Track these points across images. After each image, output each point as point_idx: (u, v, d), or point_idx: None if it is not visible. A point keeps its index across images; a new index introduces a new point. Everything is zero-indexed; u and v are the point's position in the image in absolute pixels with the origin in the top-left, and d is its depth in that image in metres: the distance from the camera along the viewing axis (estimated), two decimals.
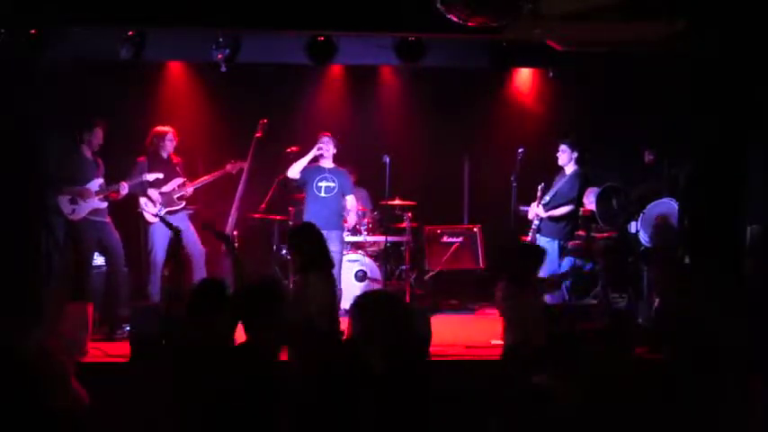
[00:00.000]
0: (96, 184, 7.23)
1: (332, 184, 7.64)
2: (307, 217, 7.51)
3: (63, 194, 7.12)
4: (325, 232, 7.40)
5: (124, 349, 6.18)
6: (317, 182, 7.63)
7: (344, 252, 8.23)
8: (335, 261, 7.46)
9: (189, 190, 7.63)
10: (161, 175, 7.46)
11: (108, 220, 7.30)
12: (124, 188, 7.29)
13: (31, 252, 6.85)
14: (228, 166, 7.71)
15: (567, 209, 7.59)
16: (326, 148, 7.66)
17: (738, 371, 4.40)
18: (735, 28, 6.07)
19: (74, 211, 7.12)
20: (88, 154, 7.26)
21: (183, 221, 7.59)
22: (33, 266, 6.85)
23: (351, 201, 7.87)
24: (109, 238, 7.26)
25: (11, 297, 6.26)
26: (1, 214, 6.67)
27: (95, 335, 6.50)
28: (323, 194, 7.62)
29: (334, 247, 7.46)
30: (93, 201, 7.18)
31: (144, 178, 7.38)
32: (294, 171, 7.65)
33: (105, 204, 7.27)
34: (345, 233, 8.30)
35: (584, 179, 7.63)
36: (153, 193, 7.43)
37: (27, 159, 6.82)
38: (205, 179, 7.71)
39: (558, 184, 7.67)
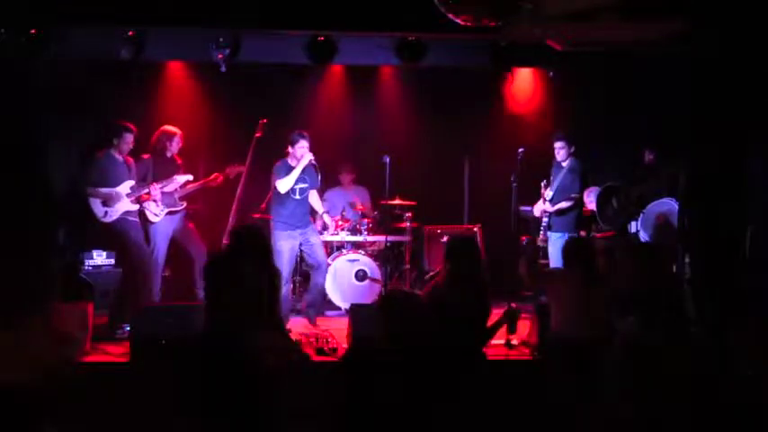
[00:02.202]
0: (127, 186, 7.24)
1: (305, 185, 7.51)
2: (283, 216, 7.42)
3: (94, 197, 7.13)
4: (305, 229, 7.49)
5: (124, 349, 6.18)
6: (294, 184, 7.46)
7: (345, 252, 8.26)
8: (322, 251, 7.66)
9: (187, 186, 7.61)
10: (191, 177, 7.48)
11: (137, 219, 7.33)
12: (155, 189, 7.31)
13: (31, 251, 6.84)
14: (228, 170, 7.70)
15: (572, 201, 7.61)
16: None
17: None
18: (735, 28, 6.07)
19: (106, 213, 7.13)
20: (119, 157, 7.28)
21: (182, 222, 7.59)
22: (34, 266, 6.84)
23: (313, 195, 7.79)
24: (140, 237, 7.31)
25: (11, 297, 6.25)
26: (1, 214, 6.67)
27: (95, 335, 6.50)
28: (298, 197, 7.46)
29: (314, 240, 7.61)
30: (125, 203, 7.20)
31: (175, 181, 7.39)
32: (286, 185, 7.38)
33: (137, 206, 7.29)
34: (345, 232, 8.36)
35: (582, 169, 7.66)
36: (156, 192, 7.43)
37: (27, 160, 6.82)
38: (201, 184, 7.66)
39: (558, 179, 7.69)
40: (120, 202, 7.16)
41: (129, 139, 7.28)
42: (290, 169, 7.42)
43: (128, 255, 7.29)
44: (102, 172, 7.20)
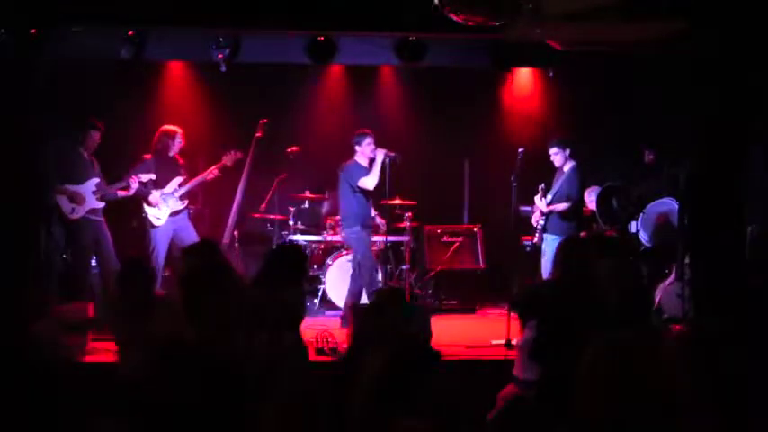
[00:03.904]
0: (93, 183, 7.24)
1: None
2: (359, 218, 7.51)
3: (61, 194, 7.14)
4: (368, 230, 7.61)
5: None
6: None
7: (344, 252, 8.26)
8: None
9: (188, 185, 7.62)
10: (153, 176, 7.46)
11: (102, 219, 7.33)
12: (135, 182, 7.31)
13: (31, 252, 6.85)
14: (225, 158, 7.67)
15: (568, 204, 7.60)
16: None
17: None
18: (735, 28, 6.07)
19: (73, 210, 7.15)
20: (85, 154, 7.29)
21: (183, 221, 7.59)
22: (33, 266, 6.85)
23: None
24: (103, 237, 7.30)
25: (11, 297, 6.25)
26: (1, 214, 6.68)
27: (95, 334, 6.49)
28: (369, 197, 7.59)
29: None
30: (90, 201, 7.20)
31: (139, 178, 7.38)
32: (373, 182, 7.42)
33: (102, 204, 7.29)
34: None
35: (581, 173, 7.66)
36: (154, 197, 7.43)
37: (26, 159, 6.82)
38: (200, 178, 7.66)
39: (558, 183, 7.69)
40: (86, 199, 7.18)
41: (96, 136, 7.30)
42: (364, 168, 7.47)
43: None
44: (69, 168, 7.21)
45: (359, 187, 7.44)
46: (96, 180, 7.28)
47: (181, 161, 7.67)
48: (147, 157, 7.51)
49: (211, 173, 7.61)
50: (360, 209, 7.53)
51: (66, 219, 7.17)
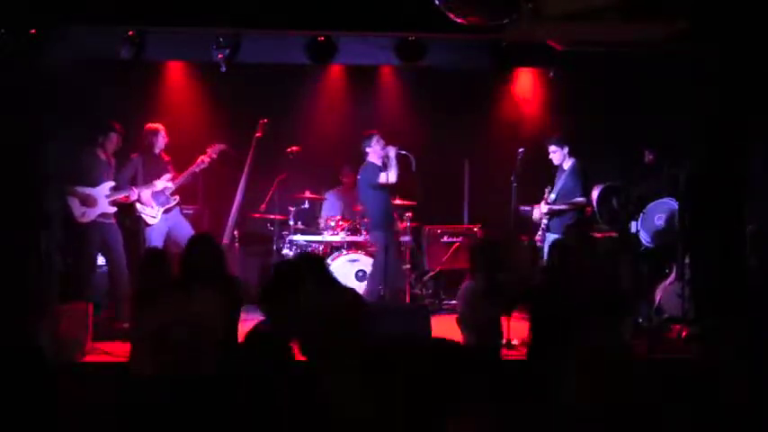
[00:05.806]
0: (107, 186, 7.23)
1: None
2: (386, 215, 7.65)
3: (73, 196, 7.11)
4: (390, 232, 7.65)
5: (124, 349, 6.17)
6: (387, 180, 7.63)
7: (344, 252, 8.24)
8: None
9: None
10: (169, 182, 7.46)
11: (113, 221, 7.31)
12: (134, 193, 7.30)
13: (31, 252, 6.84)
14: (209, 150, 7.64)
15: (583, 198, 7.59)
16: None
17: None
18: (735, 28, 6.07)
19: (84, 213, 7.12)
20: (102, 156, 7.28)
21: (176, 217, 7.59)
22: (33, 266, 6.85)
23: None
24: (113, 239, 7.27)
25: (11, 297, 6.25)
26: (1, 214, 6.68)
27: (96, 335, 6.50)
28: (389, 193, 7.70)
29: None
30: (102, 204, 7.18)
31: (154, 186, 7.39)
32: (394, 176, 7.50)
33: (114, 209, 7.28)
34: (345, 232, 8.34)
35: (583, 169, 7.66)
36: (145, 195, 7.42)
37: (27, 159, 6.82)
38: (187, 172, 7.63)
39: (561, 181, 7.68)
40: (99, 203, 7.15)
41: (115, 138, 7.29)
42: (379, 167, 7.57)
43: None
44: (84, 170, 7.19)
45: (380, 185, 7.52)
46: (111, 183, 7.25)
47: (166, 158, 7.65)
48: (135, 155, 7.50)
49: (197, 165, 7.59)
50: (384, 207, 7.64)
51: (74, 221, 7.14)
